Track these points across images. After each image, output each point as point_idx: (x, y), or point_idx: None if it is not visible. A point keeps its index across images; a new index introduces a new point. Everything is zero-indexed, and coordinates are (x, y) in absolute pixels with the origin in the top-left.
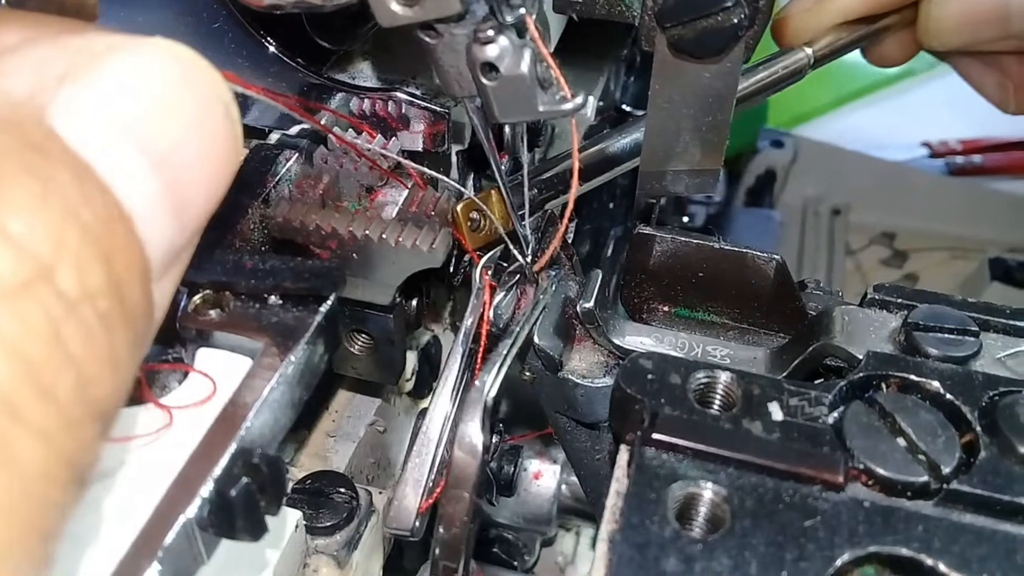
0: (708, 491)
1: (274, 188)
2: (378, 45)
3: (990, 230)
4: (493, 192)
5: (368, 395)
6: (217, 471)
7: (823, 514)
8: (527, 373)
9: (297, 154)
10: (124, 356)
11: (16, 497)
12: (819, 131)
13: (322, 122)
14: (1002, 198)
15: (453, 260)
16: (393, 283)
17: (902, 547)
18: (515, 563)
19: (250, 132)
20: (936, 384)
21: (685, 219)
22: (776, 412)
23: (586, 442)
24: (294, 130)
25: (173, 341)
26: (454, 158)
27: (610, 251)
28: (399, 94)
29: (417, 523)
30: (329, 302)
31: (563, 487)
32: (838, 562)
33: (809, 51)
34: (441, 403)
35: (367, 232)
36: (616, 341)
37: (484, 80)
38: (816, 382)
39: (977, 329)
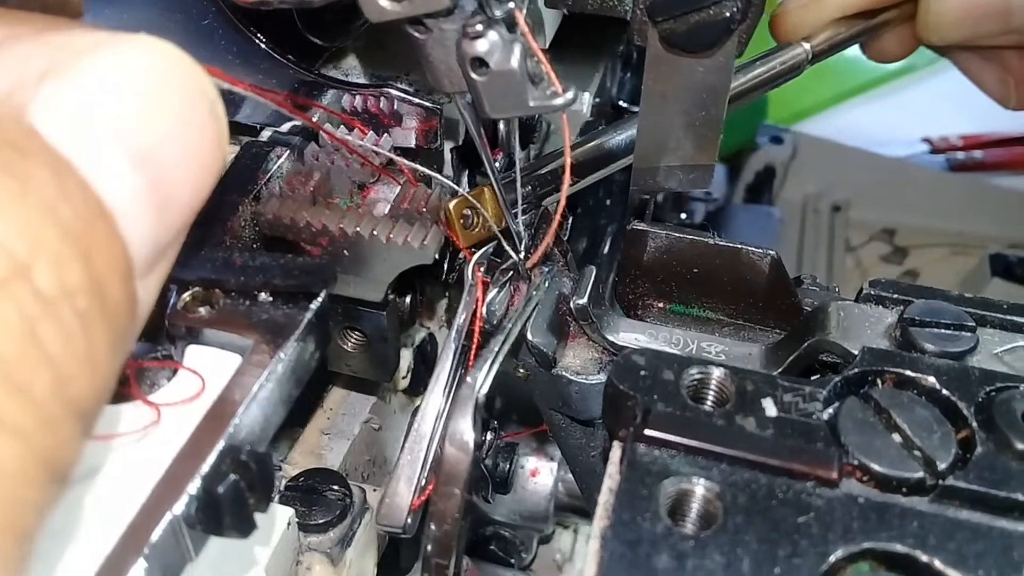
0: (700, 487)
1: (265, 185)
2: (371, 42)
3: (991, 226)
4: (486, 189)
5: (363, 393)
6: (205, 468)
7: (817, 510)
8: (521, 370)
9: (289, 151)
10: (105, 354)
11: None
12: (819, 127)
13: (314, 119)
14: (1003, 194)
15: (447, 258)
16: (385, 280)
17: (897, 543)
18: (512, 561)
19: (241, 129)
20: (932, 380)
21: (683, 216)
22: (770, 408)
23: (581, 439)
24: (286, 127)
25: (162, 338)
26: (448, 155)
27: (606, 248)
28: (391, 90)
29: (409, 520)
30: (320, 299)
31: (560, 484)
32: (832, 558)
33: (807, 46)
34: (433, 400)
35: (358, 229)
36: (610, 337)
37: (474, 75)
38: (812, 378)
39: (974, 324)
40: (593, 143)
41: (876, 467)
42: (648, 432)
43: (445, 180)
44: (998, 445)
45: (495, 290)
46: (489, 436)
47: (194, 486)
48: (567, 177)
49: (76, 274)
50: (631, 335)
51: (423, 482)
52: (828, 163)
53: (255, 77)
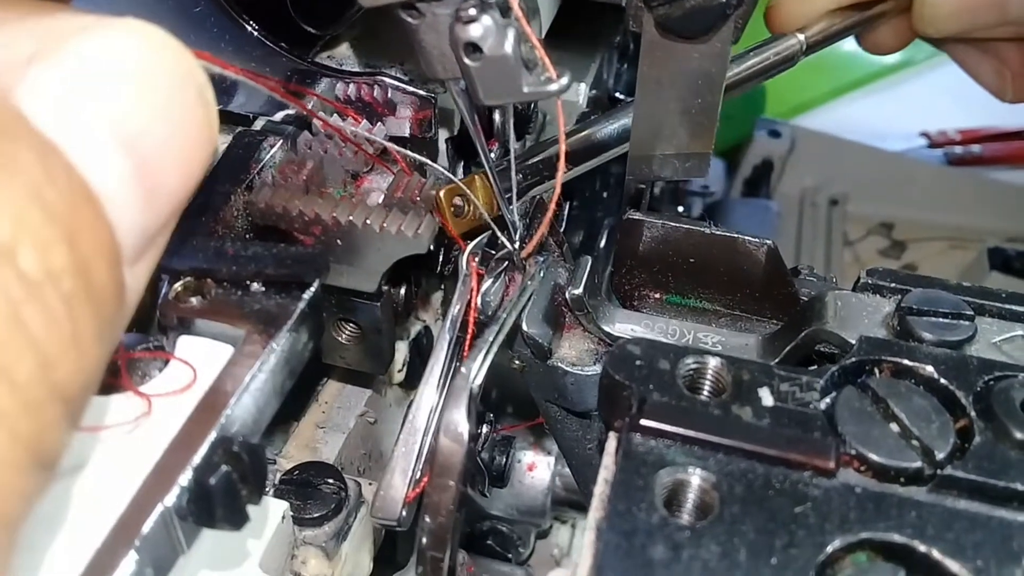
0: (696, 477)
1: (258, 175)
2: (366, 31)
3: (989, 220)
4: (477, 177)
5: (358, 386)
6: (196, 459)
7: (814, 500)
8: (516, 361)
9: (282, 140)
10: (91, 339)
11: None
12: (817, 121)
13: (308, 107)
14: (1001, 188)
15: (442, 249)
16: (379, 270)
17: (894, 533)
18: (510, 555)
19: (235, 119)
20: (930, 369)
21: (680, 209)
22: (766, 398)
23: (577, 431)
24: (279, 116)
25: (154, 329)
26: (443, 146)
27: (603, 241)
28: (385, 79)
29: (404, 513)
30: (312, 289)
31: (557, 479)
32: (829, 548)
33: (801, 37)
34: (428, 392)
35: (351, 218)
36: (606, 328)
37: (467, 61)
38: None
39: (972, 313)
40: (585, 132)
41: (874, 457)
42: (644, 422)
43: (439, 168)
44: (996, 434)
45: (490, 280)
46: (485, 429)
47: (186, 477)
48: (561, 165)
49: (61, 257)
50: (627, 326)
51: (418, 475)
52: (826, 157)
53: (248, 65)
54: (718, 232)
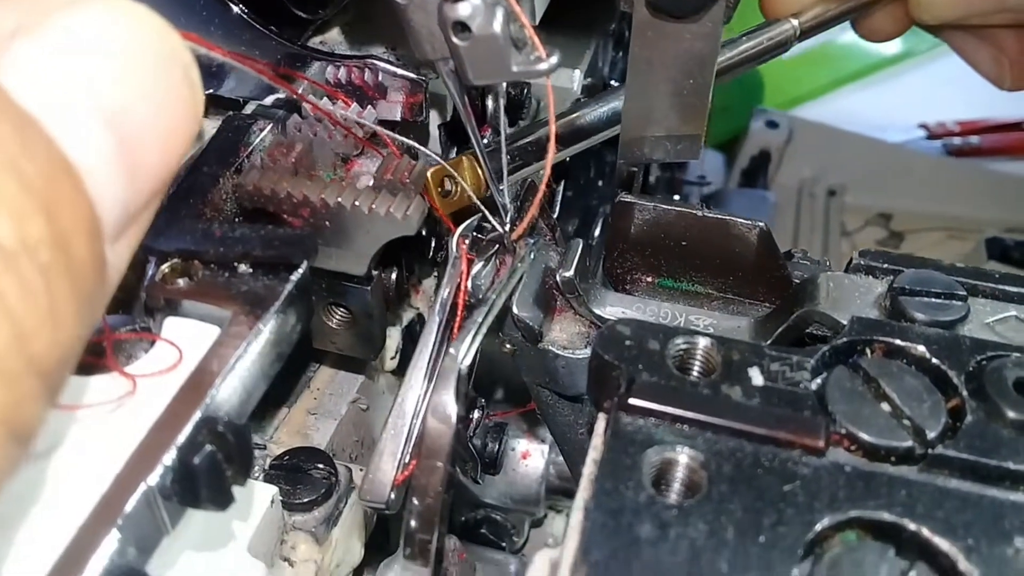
0: (685, 456)
1: (247, 158)
2: (357, 15)
3: (987, 210)
4: (464, 158)
5: (351, 372)
6: (181, 439)
7: (803, 479)
8: (507, 345)
9: (272, 124)
10: (69, 313)
11: None
12: (815, 112)
13: (298, 91)
14: (999, 179)
15: (434, 235)
16: (368, 252)
17: (884, 512)
18: (504, 544)
19: (225, 103)
20: (922, 349)
21: (676, 199)
22: (756, 377)
23: (569, 416)
24: (269, 100)
25: (140, 310)
26: (436, 131)
27: (598, 229)
28: (375, 62)
29: (392, 496)
30: (300, 270)
31: (551, 467)
32: (818, 527)
33: (795, 23)
34: (416, 375)
35: (339, 199)
36: (597, 311)
37: (456, 40)
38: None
39: (964, 293)
40: (577, 113)
41: (864, 436)
42: (632, 401)
43: (429, 152)
44: (988, 414)
45: (480, 263)
46: (477, 415)
47: (170, 457)
48: (551, 146)
49: (37, 228)
50: (618, 309)
51: (407, 458)
52: (824, 148)
53: (237, 48)
54: (710, 214)
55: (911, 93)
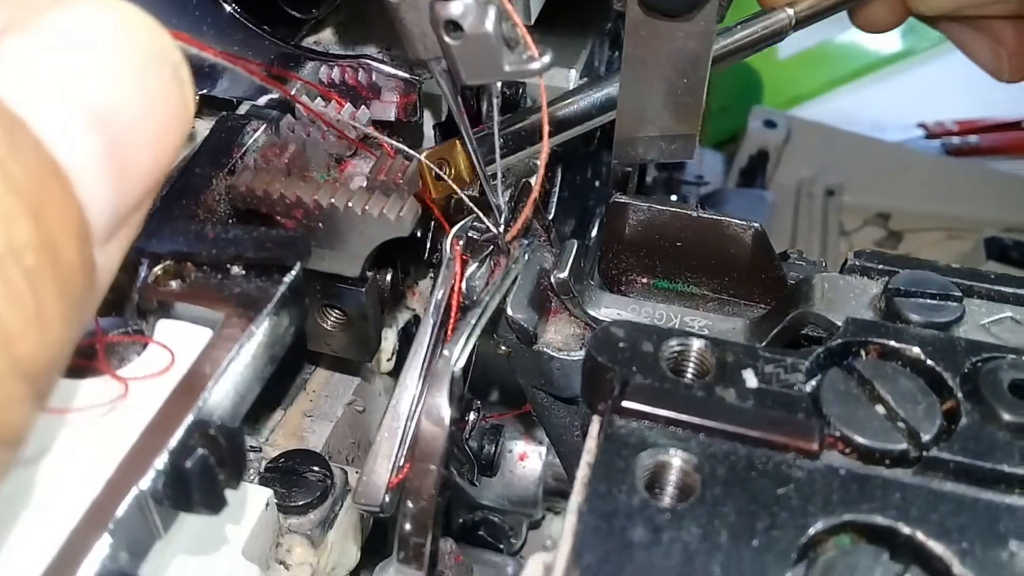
0: (678, 459)
1: (240, 159)
2: (351, 15)
3: (986, 210)
4: (457, 142)
5: (347, 374)
6: (173, 442)
7: (797, 482)
8: (502, 347)
9: (265, 125)
10: (56, 317)
11: None
12: (814, 112)
13: (291, 92)
14: (998, 178)
15: (429, 236)
16: (361, 253)
17: (878, 515)
18: (501, 546)
19: (218, 104)
20: (917, 350)
21: (674, 199)
22: (750, 379)
23: (564, 417)
24: (263, 100)
25: (133, 313)
26: (430, 131)
27: (595, 231)
28: (369, 61)
29: (387, 499)
30: (293, 272)
31: (549, 469)
32: (811, 531)
33: (791, 12)
34: (411, 377)
35: (332, 200)
36: (592, 313)
37: (448, 39)
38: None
39: (960, 294)
40: (567, 101)
41: (859, 439)
42: (626, 404)
43: (419, 156)
44: (984, 416)
45: (475, 264)
46: (473, 417)
47: (161, 461)
48: (544, 147)
49: (24, 231)
50: (613, 310)
51: (401, 460)
52: (822, 147)
53: (231, 48)
54: (704, 215)
55: (909, 92)
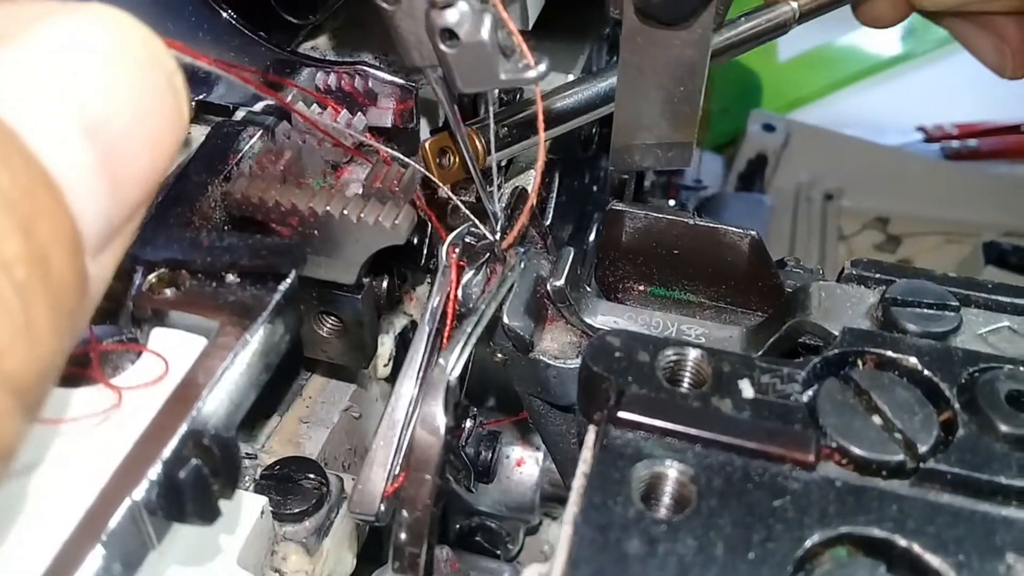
0: (674, 470)
1: (236, 165)
2: (348, 21)
3: (985, 214)
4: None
5: (344, 380)
6: (166, 452)
7: (793, 494)
8: (499, 355)
9: (261, 131)
10: (47, 330)
11: None
12: (812, 115)
13: (287, 98)
14: (997, 182)
15: (426, 242)
16: (357, 261)
17: (875, 528)
18: (498, 552)
19: (215, 109)
20: (914, 360)
21: (672, 203)
22: (747, 389)
23: (561, 425)
24: (259, 107)
25: (127, 321)
26: (427, 137)
27: (592, 236)
28: (365, 67)
29: (382, 508)
30: (288, 280)
31: (546, 474)
32: (807, 543)
33: (795, 5)
34: (407, 385)
35: (328, 208)
36: (588, 321)
37: (444, 47)
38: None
39: (957, 304)
40: (561, 95)
41: (855, 450)
42: (621, 414)
43: (417, 166)
44: (981, 427)
45: (471, 272)
46: (469, 423)
47: (155, 471)
48: (541, 152)
49: (14, 244)
50: (610, 318)
51: (397, 469)
52: (821, 151)
53: (226, 54)
54: (701, 223)
55: (909, 96)
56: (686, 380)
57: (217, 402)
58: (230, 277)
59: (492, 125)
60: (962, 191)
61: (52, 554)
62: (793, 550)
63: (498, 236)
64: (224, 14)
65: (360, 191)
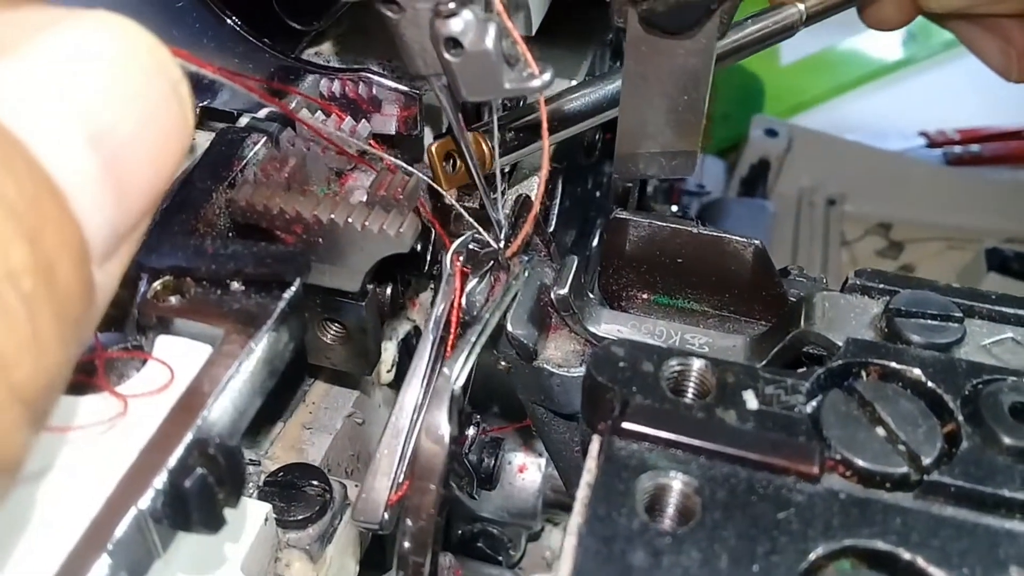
0: (679, 482)
1: (240, 172)
2: (352, 27)
3: (987, 220)
4: (468, 134)
5: (346, 387)
6: (172, 461)
7: (797, 506)
8: (503, 363)
9: (265, 138)
10: (53, 340)
11: None
12: (815, 120)
13: (291, 105)
14: (1000, 188)
15: (430, 249)
16: (361, 269)
17: (879, 540)
18: (500, 559)
19: (219, 116)
20: (917, 372)
21: (674, 209)
22: (751, 401)
23: (564, 433)
24: (263, 113)
25: (132, 329)
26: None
27: (595, 242)
28: (369, 74)
29: (386, 516)
30: (293, 288)
31: (548, 480)
32: (812, 556)
33: (801, 7)
34: (411, 393)
35: (332, 216)
36: (592, 329)
37: (448, 56)
38: (796, 371)
39: (961, 315)
40: (565, 98)
41: (859, 462)
42: (626, 425)
43: (420, 174)
44: (984, 439)
45: (475, 280)
46: (472, 431)
47: (160, 480)
48: (545, 162)
49: (20, 255)
50: (613, 327)
51: (401, 477)
52: (824, 156)
53: (231, 61)
54: (705, 231)
55: (911, 101)
56: (690, 390)
57: (222, 410)
58: (235, 285)
59: (496, 133)
60: (964, 197)
61: (59, 563)
62: (797, 563)
63: (502, 244)
64: (228, 21)
65: (364, 199)
